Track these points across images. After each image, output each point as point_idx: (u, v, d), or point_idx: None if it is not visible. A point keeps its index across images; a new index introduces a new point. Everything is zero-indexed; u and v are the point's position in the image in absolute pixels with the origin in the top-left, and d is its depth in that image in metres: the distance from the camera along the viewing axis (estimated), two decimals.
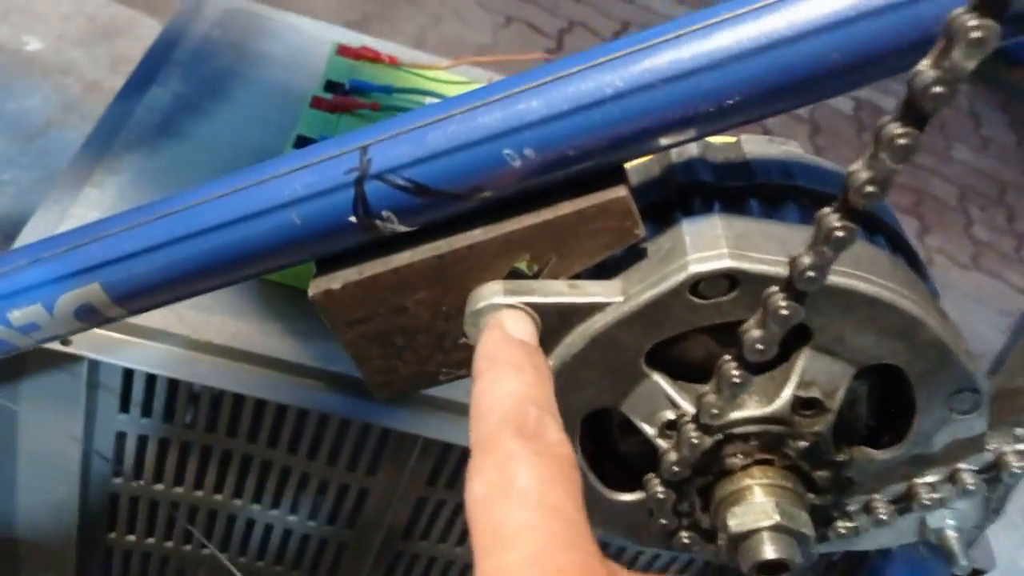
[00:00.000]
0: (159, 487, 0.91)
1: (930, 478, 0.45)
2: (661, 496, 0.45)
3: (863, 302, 0.42)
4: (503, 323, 0.42)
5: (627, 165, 0.45)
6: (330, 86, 0.97)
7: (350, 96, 0.96)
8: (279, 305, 0.83)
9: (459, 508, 0.92)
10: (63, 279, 0.45)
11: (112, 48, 1.65)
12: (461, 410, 0.82)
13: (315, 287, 0.45)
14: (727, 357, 0.41)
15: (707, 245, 0.42)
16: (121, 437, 0.85)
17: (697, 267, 0.41)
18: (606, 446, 0.50)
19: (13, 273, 0.46)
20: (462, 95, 0.42)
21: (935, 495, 0.44)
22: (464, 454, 0.85)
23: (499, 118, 0.40)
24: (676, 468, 0.44)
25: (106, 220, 0.46)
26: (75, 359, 0.77)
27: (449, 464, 0.87)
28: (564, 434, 0.36)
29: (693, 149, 0.48)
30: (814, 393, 0.44)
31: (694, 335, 0.44)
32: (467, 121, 0.40)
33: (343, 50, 1.01)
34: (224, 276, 0.45)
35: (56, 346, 0.75)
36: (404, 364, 0.47)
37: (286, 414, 0.83)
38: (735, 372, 0.40)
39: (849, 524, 0.46)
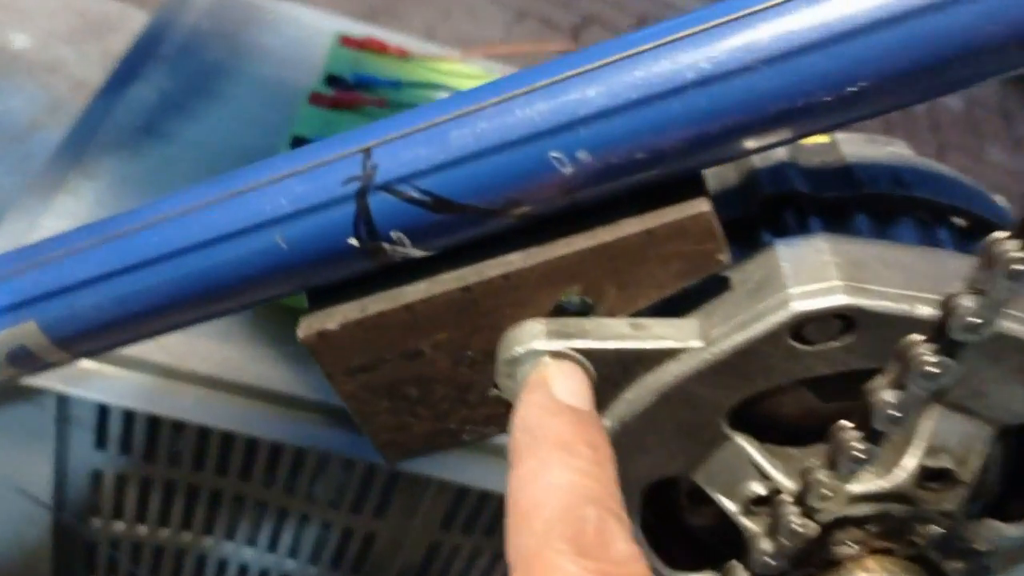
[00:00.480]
0: (142, 529, 0.81)
1: None
2: None
3: (1014, 348, 0.32)
4: (548, 381, 0.32)
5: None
6: (331, 80, 0.87)
7: (354, 91, 0.86)
8: (272, 327, 0.73)
9: (476, 553, 0.82)
10: None
11: (103, 45, 1.55)
12: (482, 449, 0.73)
13: (306, 327, 0.35)
14: (846, 424, 0.31)
15: (813, 276, 0.32)
16: (97, 477, 0.76)
17: (802, 304, 0.31)
18: (669, 515, 0.41)
19: None
20: (494, 82, 0.32)
21: None
22: (483, 497, 0.76)
23: (544, 112, 0.30)
24: (771, 561, 0.34)
25: (47, 241, 0.37)
26: (41, 392, 0.68)
27: (466, 507, 0.78)
28: (634, 544, 0.27)
29: (781, 151, 0.39)
30: (944, 462, 0.34)
31: (789, 390, 0.35)
32: (502, 116, 0.31)
33: (346, 41, 0.91)
34: (191, 312, 0.35)
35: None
36: (418, 421, 0.38)
37: (282, 450, 0.73)
38: (857, 445, 0.30)
39: None
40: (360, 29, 1.01)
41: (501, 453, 0.72)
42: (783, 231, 0.35)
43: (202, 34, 0.96)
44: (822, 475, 0.32)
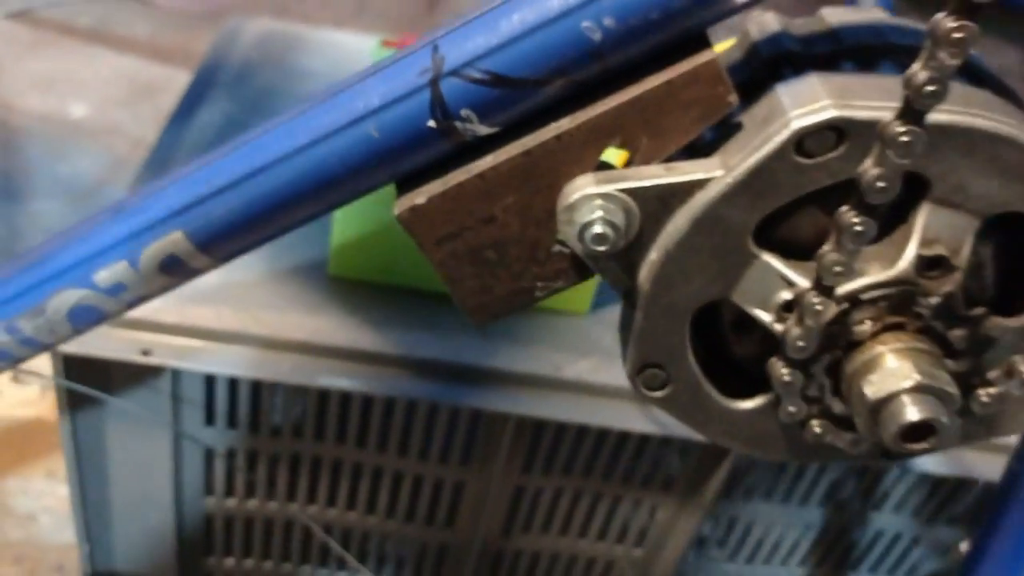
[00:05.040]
0: (252, 503, 0.89)
1: None
2: (788, 379, 0.43)
3: (984, 139, 0.39)
4: None
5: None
6: None
7: None
8: (353, 299, 0.81)
9: (558, 495, 0.89)
10: (144, 231, 0.44)
11: (154, 105, 1.67)
12: (550, 385, 0.80)
13: (400, 206, 0.43)
14: (845, 208, 0.38)
15: (808, 100, 0.39)
16: (209, 453, 0.84)
17: (800, 122, 0.39)
18: (720, 352, 0.48)
19: (95, 232, 0.45)
20: None
21: None
22: (559, 432, 0.83)
23: None
24: (801, 343, 0.41)
25: (184, 166, 0.45)
26: (157, 371, 0.76)
27: (543, 448, 0.85)
28: None
29: (774, 25, 0.46)
30: (939, 250, 0.41)
31: (803, 210, 0.42)
32: (540, 0, 0.39)
33: (387, 43, 1.00)
34: (308, 206, 0.43)
35: (138, 358, 0.75)
36: (498, 282, 0.45)
37: (372, 409, 0.81)
38: (856, 220, 0.37)
39: (992, 391, 0.43)
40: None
41: (572, 388, 0.80)
42: (783, 80, 0.42)
43: (253, 63, 1.06)
44: (832, 255, 0.39)
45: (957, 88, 0.42)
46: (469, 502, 0.89)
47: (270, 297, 0.80)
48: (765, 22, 0.46)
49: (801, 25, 0.46)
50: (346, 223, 0.80)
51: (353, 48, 1.13)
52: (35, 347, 0.48)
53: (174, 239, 0.44)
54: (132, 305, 0.47)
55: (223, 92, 1.01)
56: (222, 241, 0.44)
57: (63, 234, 0.47)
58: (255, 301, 0.79)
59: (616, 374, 0.74)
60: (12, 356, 0.49)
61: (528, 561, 0.95)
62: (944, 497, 0.89)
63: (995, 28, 3.21)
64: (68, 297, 0.46)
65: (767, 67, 0.44)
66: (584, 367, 0.80)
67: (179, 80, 1.78)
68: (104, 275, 0.45)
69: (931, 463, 0.84)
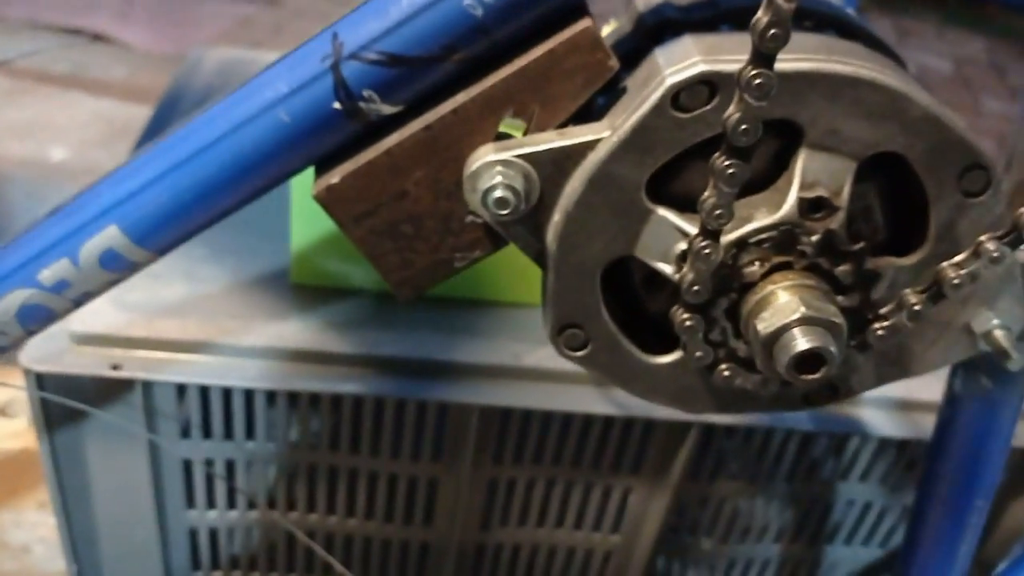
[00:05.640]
0: (233, 514, 0.92)
1: (957, 259, 0.45)
2: (689, 324, 0.45)
3: (845, 84, 0.42)
4: None
5: (603, 33, 0.46)
6: None
7: None
8: (315, 304, 0.84)
9: (531, 485, 0.91)
10: (81, 228, 0.47)
11: (132, 143, 1.70)
12: (511, 374, 0.83)
13: (317, 186, 0.46)
14: (717, 153, 0.41)
15: (680, 58, 0.42)
16: (187, 465, 0.87)
17: (673, 78, 0.42)
18: (637, 312, 0.50)
19: (36, 234, 0.48)
20: None
21: (962, 271, 0.44)
22: (525, 419, 0.85)
23: None
24: (696, 287, 0.44)
25: (115, 167, 0.48)
26: (129, 386, 0.79)
27: (511, 438, 0.87)
28: None
29: None
30: (819, 192, 0.44)
31: (691, 165, 0.45)
32: None
33: None
34: (233, 193, 0.46)
35: (108, 372, 0.77)
36: (418, 255, 0.48)
37: (342, 410, 0.84)
38: (727, 163, 0.40)
39: (885, 323, 0.46)
40: None
41: (532, 375, 0.82)
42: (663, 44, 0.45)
43: (214, 89, 1.09)
44: (711, 200, 0.41)
45: (819, 39, 0.45)
46: (445, 498, 0.91)
47: (235, 307, 0.82)
48: None
49: None
50: (304, 233, 0.83)
51: None
52: None
53: (110, 234, 0.47)
54: (78, 303, 0.50)
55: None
56: (155, 233, 0.47)
57: (9, 240, 0.50)
58: (221, 311, 0.82)
59: None
60: None
61: (509, 554, 0.97)
62: (908, 462, 0.91)
63: (961, 19, 3.25)
64: (15, 298, 0.49)
65: (652, 35, 0.47)
66: (543, 354, 0.83)
67: None
68: (47, 273, 0.48)
69: (887, 427, 0.86)
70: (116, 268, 0.48)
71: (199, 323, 0.80)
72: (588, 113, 0.46)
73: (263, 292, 0.84)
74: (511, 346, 0.83)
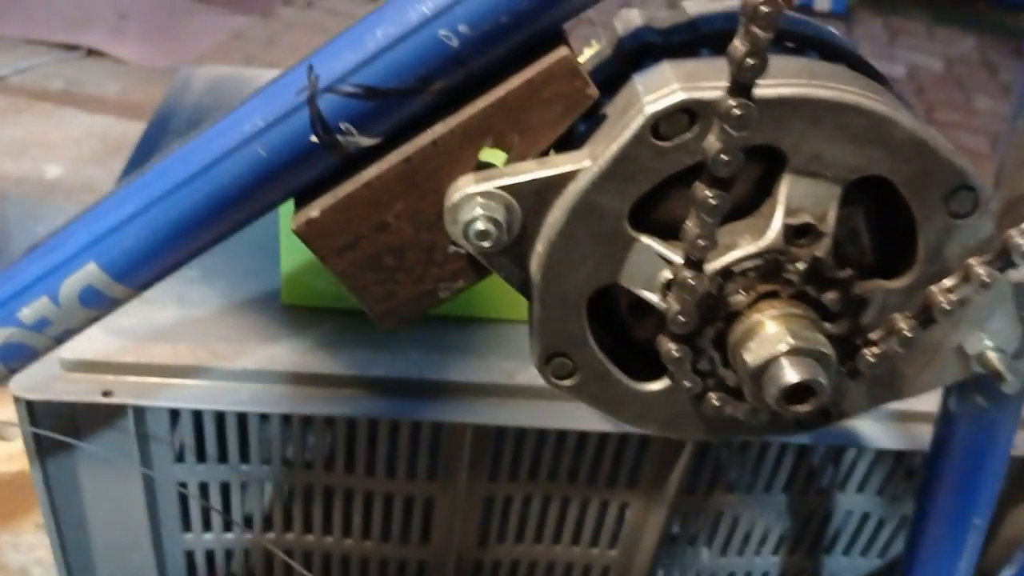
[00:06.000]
0: (229, 536, 0.91)
1: (947, 283, 0.44)
2: (677, 355, 0.45)
3: (827, 109, 0.41)
4: None
5: (581, 59, 0.45)
6: None
7: None
8: (307, 326, 0.84)
9: (527, 502, 0.91)
10: (60, 266, 0.47)
11: (126, 160, 1.70)
12: (504, 392, 0.82)
13: (296, 220, 0.45)
14: (697, 183, 0.40)
15: (659, 86, 0.42)
16: (182, 487, 0.86)
17: (652, 107, 0.41)
18: (623, 338, 0.50)
19: (16, 272, 0.48)
20: None
21: (952, 296, 0.43)
22: (520, 437, 0.85)
23: (429, 2, 0.41)
24: (681, 318, 0.43)
25: (93, 203, 0.47)
26: (121, 412, 0.79)
27: (506, 455, 0.87)
28: None
29: (637, 20, 0.49)
30: (804, 218, 0.43)
31: (674, 192, 0.44)
32: (399, 14, 0.41)
33: None
34: (212, 228, 0.46)
35: (99, 399, 0.77)
36: (401, 286, 0.48)
37: (336, 431, 0.83)
38: (708, 192, 0.40)
39: (876, 350, 0.45)
40: None
41: (526, 393, 0.82)
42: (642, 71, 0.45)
43: (204, 108, 1.09)
44: (694, 229, 0.41)
45: (801, 63, 0.44)
46: (441, 516, 0.91)
47: (226, 330, 0.82)
48: (630, 18, 0.49)
49: (664, 19, 0.49)
50: (294, 253, 0.82)
51: None
52: None
53: (89, 271, 0.47)
54: (60, 340, 0.50)
55: (176, 140, 1.04)
56: (135, 269, 0.47)
57: None
58: (212, 335, 0.81)
59: None
60: None
61: (507, 571, 0.97)
62: (905, 472, 0.91)
63: (952, 17, 3.25)
64: None
65: (630, 60, 0.46)
66: (535, 372, 0.82)
67: None
68: (27, 312, 0.47)
69: (884, 439, 0.86)
70: (97, 305, 0.48)
71: (191, 347, 0.80)
72: (569, 139, 0.45)
73: (255, 314, 0.84)
74: (504, 364, 0.83)
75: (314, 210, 0.45)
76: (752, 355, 0.42)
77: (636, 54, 0.46)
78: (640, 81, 0.43)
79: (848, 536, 0.96)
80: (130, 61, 2.09)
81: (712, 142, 0.39)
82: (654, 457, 0.87)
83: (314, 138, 0.43)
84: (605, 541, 0.94)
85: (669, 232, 0.45)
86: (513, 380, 0.82)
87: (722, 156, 0.39)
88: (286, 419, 0.82)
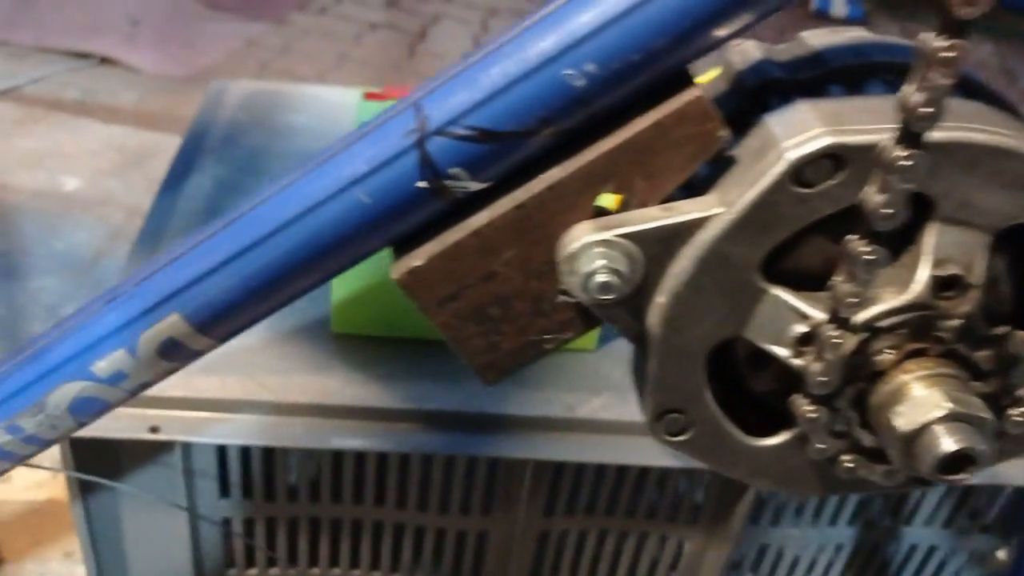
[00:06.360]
0: (274, 572, 0.88)
1: None
2: (813, 416, 0.41)
3: (983, 153, 0.38)
4: None
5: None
6: None
7: None
8: (358, 355, 0.80)
9: (583, 536, 0.88)
10: (140, 316, 0.43)
11: (145, 172, 1.67)
12: (565, 426, 0.79)
13: (398, 269, 0.42)
14: (852, 236, 0.37)
15: (800, 129, 0.38)
16: (227, 525, 0.83)
17: (795, 152, 0.38)
18: (738, 389, 0.47)
19: (91, 322, 0.44)
20: (505, 29, 0.39)
21: None
22: (579, 471, 0.82)
23: (552, 39, 0.37)
24: (823, 378, 0.40)
25: (175, 245, 0.44)
26: (167, 447, 0.75)
27: (564, 490, 0.83)
28: None
29: (756, 53, 0.45)
30: (952, 270, 0.40)
31: (808, 240, 0.41)
32: (519, 51, 0.38)
33: (369, 96, 1.00)
34: (305, 277, 0.42)
35: (147, 436, 0.74)
36: (505, 338, 0.44)
37: (387, 465, 0.80)
38: (865, 248, 0.36)
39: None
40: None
41: (587, 427, 0.78)
42: (770, 111, 0.42)
43: (239, 124, 1.06)
44: (845, 287, 0.38)
45: (951, 103, 0.41)
46: (494, 551, 0.87)
47: (275, 361, 0.79)
48: (747, 51, 0.46)
49: (783, 51, 0.46)
50: (345, 279, 0.79)
51: (336, 102, 1.13)
52: (39, 444, 0.47)
53: (171, 322, 0.43)
54: (135, 392, 0.46)
55: (212, 156, 1.01)
56: (221, 320, 0.43)
57: (59, 326, 0.46)
58: (260, 366, 0.78)
59: (630, 409, 0.73)
60: (15, 455, 0.48)
61: None
62: (974, 506, 0.87)
63: None
64: (68, 391, 0.45)
65: (753, 97, 0.43)
66: (597, 405, 0.79)
67: (167, 145, 1.78)
68: (103, 365, 0.44)
69: None
70: (176, 358, 0.45)
71: (239, 380, 0.76)
72: (689, 182, 0.42)
73: (304, 344, 0.81)
74: (564, 396, 0.80)
75: (418, 259, 0.42)
76: (904, 420, 0.39)
77: (759, 90, 0.43)
78: (775, 122, 0.40)
79: (912, 570, 0.93)
80: (143, 69, 2.05)
81: (872, 193, 0.36)
82: (718, 491, 0.83)
83: (422, 183, 0.40)
84: None
85: (800, 282, 0.41)
86: (574, 413, 0.79)
87: (884, 210, 0.35)
88: (337, 453, 0.79)
